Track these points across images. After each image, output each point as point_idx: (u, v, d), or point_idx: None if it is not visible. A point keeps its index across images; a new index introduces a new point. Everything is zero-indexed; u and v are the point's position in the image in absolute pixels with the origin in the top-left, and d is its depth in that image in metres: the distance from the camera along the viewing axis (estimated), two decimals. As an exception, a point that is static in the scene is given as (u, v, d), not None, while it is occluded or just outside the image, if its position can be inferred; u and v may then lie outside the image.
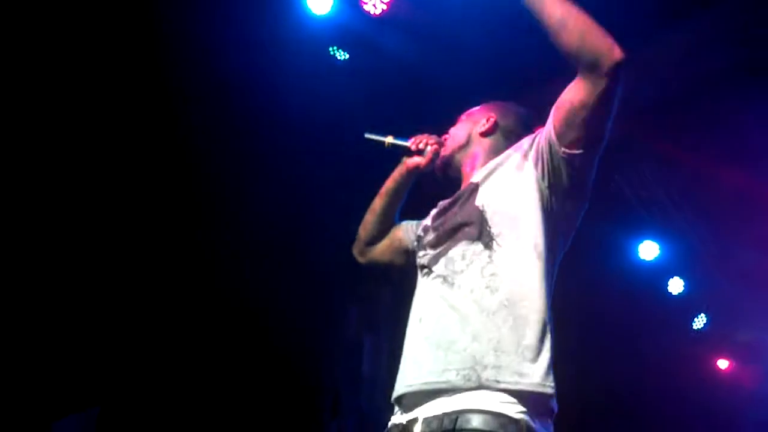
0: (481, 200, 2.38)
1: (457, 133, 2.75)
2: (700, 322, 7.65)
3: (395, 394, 2.27)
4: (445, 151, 2.74)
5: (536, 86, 5.08)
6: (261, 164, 5.48)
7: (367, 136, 2.81)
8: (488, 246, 2.27)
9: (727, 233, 6.87)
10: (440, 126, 2.83)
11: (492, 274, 2.21)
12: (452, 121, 2.84)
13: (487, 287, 2.18)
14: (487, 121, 2.70)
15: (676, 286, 7.29)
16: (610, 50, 2.16)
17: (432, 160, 2.77)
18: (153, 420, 6.26)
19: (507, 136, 2.66)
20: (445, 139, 2.78)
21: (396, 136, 2.81)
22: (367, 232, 2.95)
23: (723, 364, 8.05)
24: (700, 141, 5.94)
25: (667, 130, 5.95)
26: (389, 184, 2.91)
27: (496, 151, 2.59)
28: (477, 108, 2.82)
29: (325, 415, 5.92)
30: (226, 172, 5.56)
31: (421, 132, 2.82)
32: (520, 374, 2.07)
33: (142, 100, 5.14)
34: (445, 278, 2.30)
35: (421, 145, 2.77)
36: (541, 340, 2.13)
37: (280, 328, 5.81)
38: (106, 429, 6.25)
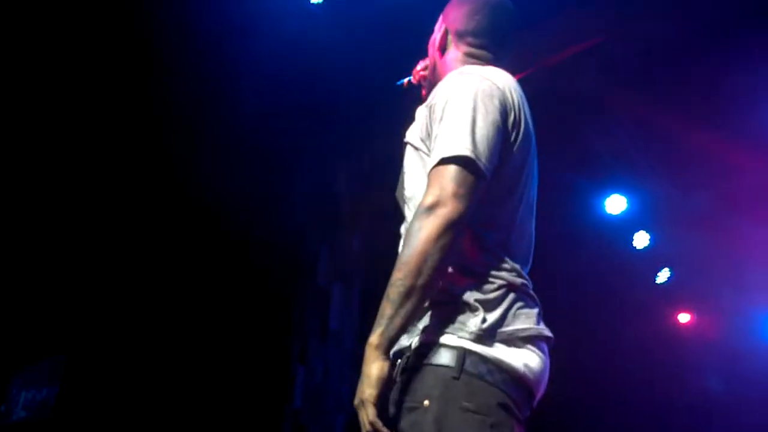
0: (405, 162, 2.29)
1: (430, 56, 2.53)
2: (663, 276, 7.74)
3: None
4: (427, 78, 2.54)
5: (524, 34, 5.07)
6: (236, 110, 5.42)
7: (398, 84, 2.73)
8: (408, 208, 2.23)
9: (693, 189, 6.94)
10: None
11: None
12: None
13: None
14: (439, 32, 2.48)
15: (641, 240, 7.35)
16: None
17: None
18: (122, 367, 6.23)
19: (461, 41, 2.43)
20: None
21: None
22: None
23: (684, 318, 8.17)
24: (669, 97, 5.97)
25: (636, 85, 5.97)
26: None
27: (456, 65, 2.39)
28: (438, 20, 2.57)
29: (293, 360, 5.92)
30: (201, 120, 5.50)
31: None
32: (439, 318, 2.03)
33: (118, 48, 5.07)
34: None
35: (418, 77, 2.60)
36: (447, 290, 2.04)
37: (251, 273, 5.80)
38: (74, 374, 6.21)
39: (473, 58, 2.41)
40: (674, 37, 5.41)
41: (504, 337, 2.00)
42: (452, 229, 1.93)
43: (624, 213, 7.08)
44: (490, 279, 2.05)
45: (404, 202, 2.25)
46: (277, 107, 5.41)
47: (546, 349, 2.13)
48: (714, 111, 6.09)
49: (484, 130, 2.04)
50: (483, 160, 2.00)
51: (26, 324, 6.33)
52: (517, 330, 2.03)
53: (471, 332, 1.97)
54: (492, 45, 2.43)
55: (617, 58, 5.70)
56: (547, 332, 2.12)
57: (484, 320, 1.98)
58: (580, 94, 5.90)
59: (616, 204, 7.05)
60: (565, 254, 7.01)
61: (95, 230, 5.87)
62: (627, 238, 7.35)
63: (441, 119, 2.09)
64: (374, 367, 1.87)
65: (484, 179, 2.02)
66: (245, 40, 5.03)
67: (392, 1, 4.67)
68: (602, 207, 7.10)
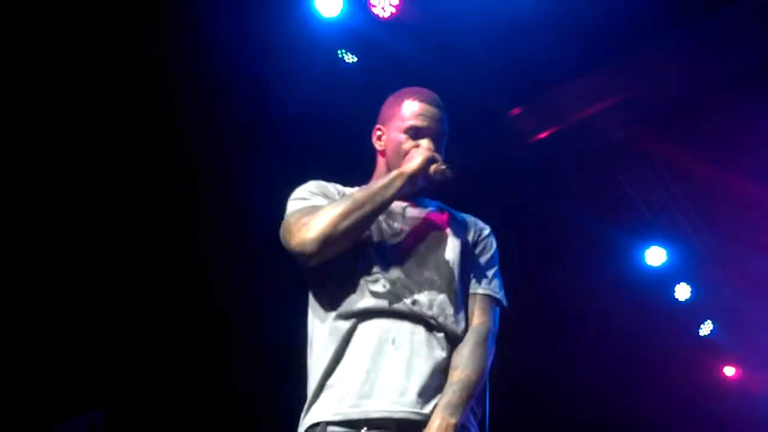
0: (456, 281, 2.49)
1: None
2: (706, 328, 7.61)
3: None
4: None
5: (543, 89, 5.08)
6: (267, 169, 5.46)
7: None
8: (455, 318, 2.51)
9: (735, 240, 6.84)
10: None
11: None
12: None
13: None
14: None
15: (683, 292, 7.25)
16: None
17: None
18: (159, 423, 6.25)
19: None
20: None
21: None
22: (350, 238, 2.41)
23: (729, 371, 8.01)
24: (707, 146, 5.92)
25: (674, 134, 5.93)
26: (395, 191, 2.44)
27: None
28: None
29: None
30: (230, 178, 5.54)
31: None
32: None
33: (140, 103, 5.12)
34: None
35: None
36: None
37: (274, 336, 5.80)
38: (113, 428, 6.24)
39: None
40: (713, 84, 5.38)
41: None
42: None
43: (664, 265, 6.99)
44: None
45: (452, 310, 2.43)
46: (308, 165, 5.44)
47: None
48: (755, 160, 6.02)
49: None
50: None
51: (67, 376, 6.38)
52: None
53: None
54: None
55: (655, 109, 5.68)
56: None
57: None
58: (616, 146, 5.87)
59: (656, 256, 6.97)
60: (605, 307, 6.93)
61: (134, 294, 5.95)
62: (668, 290, 7.25)
63: (494, 258, 2.60)
64: None
65: None
66: (281, 98, 5.09)
67: (423, 64, 4.70)
68: (642, 259, 7.01)
